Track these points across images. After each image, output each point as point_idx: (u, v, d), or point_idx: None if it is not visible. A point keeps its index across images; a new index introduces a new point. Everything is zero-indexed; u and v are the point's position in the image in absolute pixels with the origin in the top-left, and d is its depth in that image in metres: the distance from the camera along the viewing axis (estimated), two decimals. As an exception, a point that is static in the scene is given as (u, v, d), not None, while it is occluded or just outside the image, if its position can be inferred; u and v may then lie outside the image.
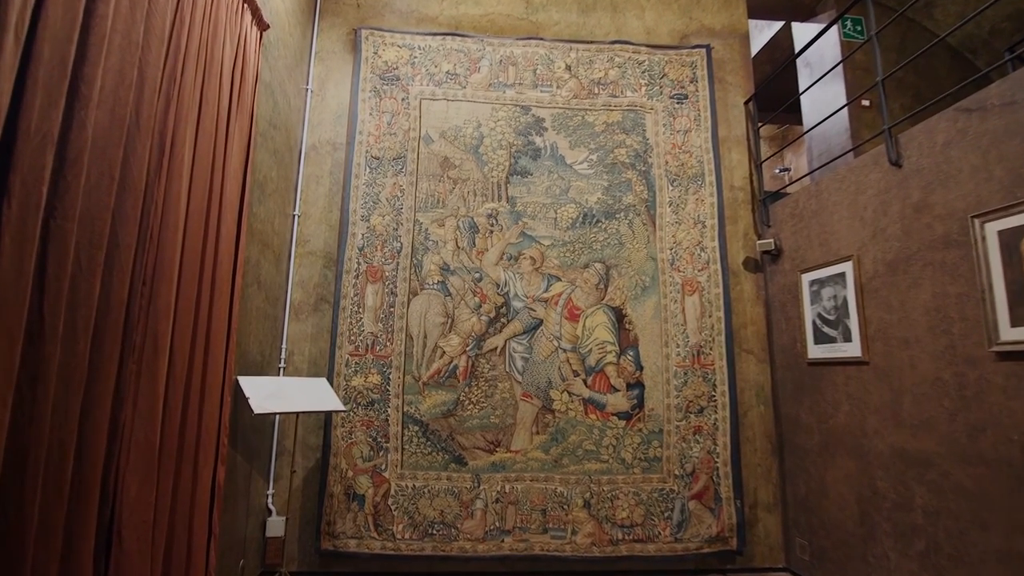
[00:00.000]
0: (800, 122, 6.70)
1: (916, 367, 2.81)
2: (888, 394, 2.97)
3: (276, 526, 3.51)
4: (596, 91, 4.12)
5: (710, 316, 3.85)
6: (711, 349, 3.81)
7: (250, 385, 2.97)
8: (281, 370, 3.69)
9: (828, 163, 4.00)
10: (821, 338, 3.46)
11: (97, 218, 1.72)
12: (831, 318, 3.38)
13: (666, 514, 3.59)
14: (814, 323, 3.52)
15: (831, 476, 3.38)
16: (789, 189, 4.85)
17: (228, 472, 2.94)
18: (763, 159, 4.25)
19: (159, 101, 2.10)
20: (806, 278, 3.60)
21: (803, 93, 4.22)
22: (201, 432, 2.45)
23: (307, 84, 4.10)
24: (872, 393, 3.08)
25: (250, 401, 2.84)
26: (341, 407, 3.26)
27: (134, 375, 1.97)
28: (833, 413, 3.36)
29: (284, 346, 3.72)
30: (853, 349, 3.20)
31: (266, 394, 3.01)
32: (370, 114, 3.97)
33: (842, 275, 3.30)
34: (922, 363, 2.77)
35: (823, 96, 5.08)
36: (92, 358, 1.73)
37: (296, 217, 3.89)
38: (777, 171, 8.92)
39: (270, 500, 3.54)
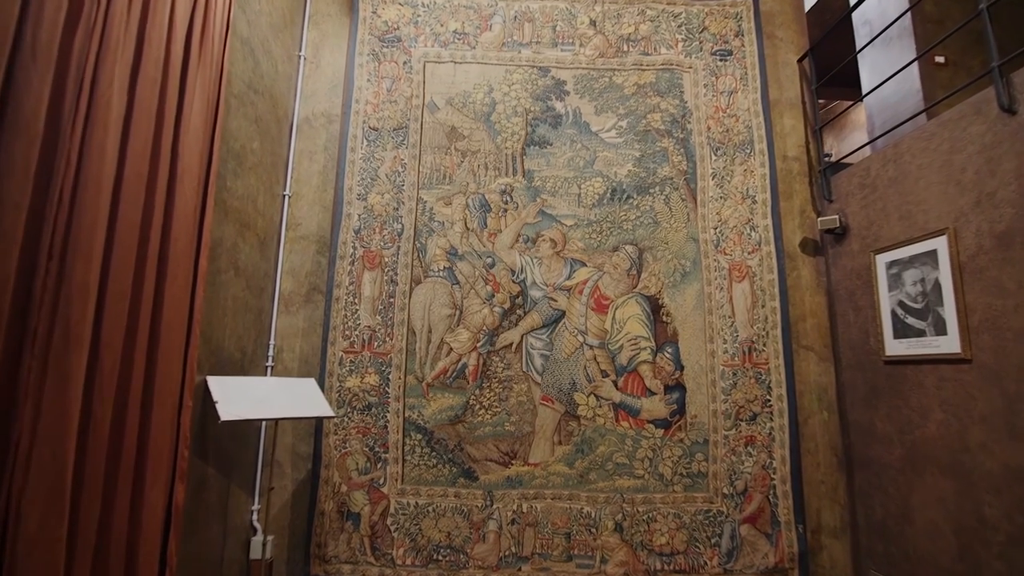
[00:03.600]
0: (851, 97, 6.01)
1: (1043, 365, 2.20)
2: (1000, 399, 2.37)
3: (262, 547, 3.07)
4: (625, 48, 3.58)
5: (763, 306, 3.27)
6: (764, 345, 3.23)
7: (221, 387, 2.54)
8: (268, 369, 3.25)
9: (898, 126, 3.37)
10: (903, 331, 2.85)
11: (-43, 162, 1.27)
12: (917, 306, 2.78)
13: (713, 540, 3.03)
14: (894, 313, 2.92)
15: (918, 498, 2.77)
16: (851, 159, 4.22)
17: (195, 489, 2.51)
18: (822, 124, 3.64)
19: (77, 28, 1.67)
20: (881, 259, 3.00)
21: (865, 47, 3.62)
22: (147, 444, 2.01)
23: (300, 50, 3.66)
24: (976, 398, 2.47)
25: (217, 406, 2.41)
26: (330, 412, 2.81)
27: (34, 374, 1.53)
28: (920, 422, 2.76)
29: (272, 342, 3.29)
30: (949, 344, 2.60)
31: (240, 397, 2.57)
32: (368, 80, 3.52)
33: (932, 253, 2.70)
34: (1053, 360, 2.17)
35: (886, 58, 4.43)
36: (-46, 351, 1.29)
37: (286, 197, 3.46)
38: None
39: (255, 517, 3.10)
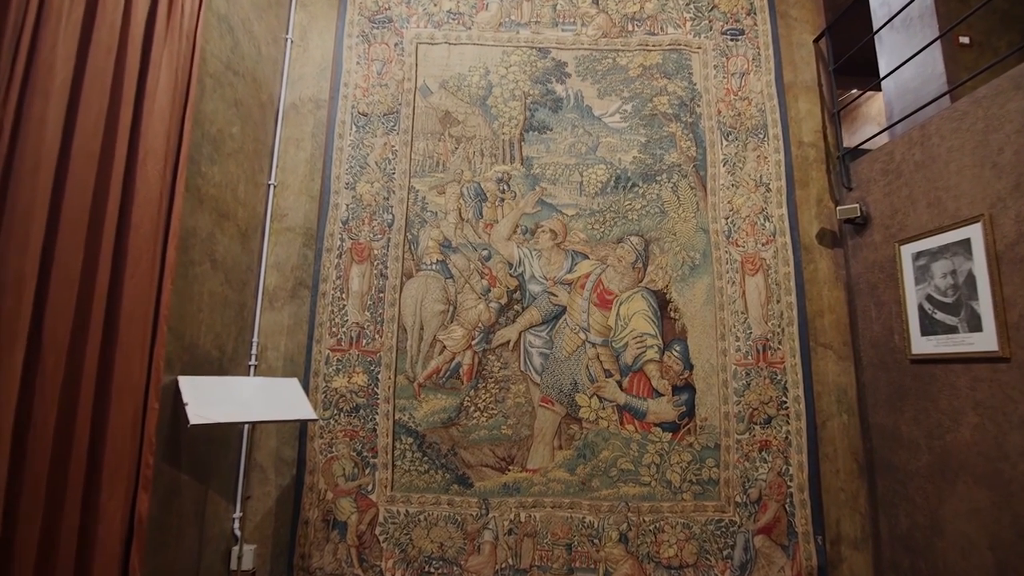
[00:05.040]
0: (863, 86, 5.77)
1: (1096, 364, 1.98)
2: (1044, 402, 2.15)
3: (244, 556, 2.88)
4: (630, 28, 3.38)
5: (778, 301, 3.06)
6: (780, 343, 3.02)
7: (193, 388, 2.35)
8: (252, 369, 3.07)
9: (921, 108, 3.15)
10: (932, 327, 2.64)
11: None
12: (948, 301, 2.56)
13: (725, 552, 2.82)
14: (921, 308, 2.70)
15: (949, 509, 2.55)
16: (868, 146, 3.99)
17: (165, 497, 2.33)
18: (839, 108, 3.42)
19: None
20: (907, 250, 2.78)
21: (885, 26, 3.39)
22: (103, 451, 1.83)
23: (287, 33, 3.47)
24: (1017, 401, 2.26)
25: (187, 409, 2.22)
26: (312, 415, 2.61)
27: (-44, 373, 1.34)
28: (952, 426, 2.54)
29: (255, 340, 3.10)
30: (984, 341, 2.38)
31: (214, 399, 2.39)
32: (357, 63, 3.33)
33: (965, 242, 2.48)
34: (1108, 359, 1.95)
35: (907, 41, 4.19)
36: None
37: (271, 187, 3.27)
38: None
39: (236, 525, 2.92)
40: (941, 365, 2.60)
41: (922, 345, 2.69)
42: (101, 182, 1.79)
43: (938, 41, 3.75)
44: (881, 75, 4.47)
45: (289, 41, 3.46)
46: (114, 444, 1.87)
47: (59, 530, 1.65)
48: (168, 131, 2.15)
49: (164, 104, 2.12)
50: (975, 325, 2.42)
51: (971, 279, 2.45)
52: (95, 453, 1.79)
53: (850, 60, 3.54)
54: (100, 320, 1.79)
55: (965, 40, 3.84)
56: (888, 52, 4.44)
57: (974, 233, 2.43)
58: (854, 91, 6.56)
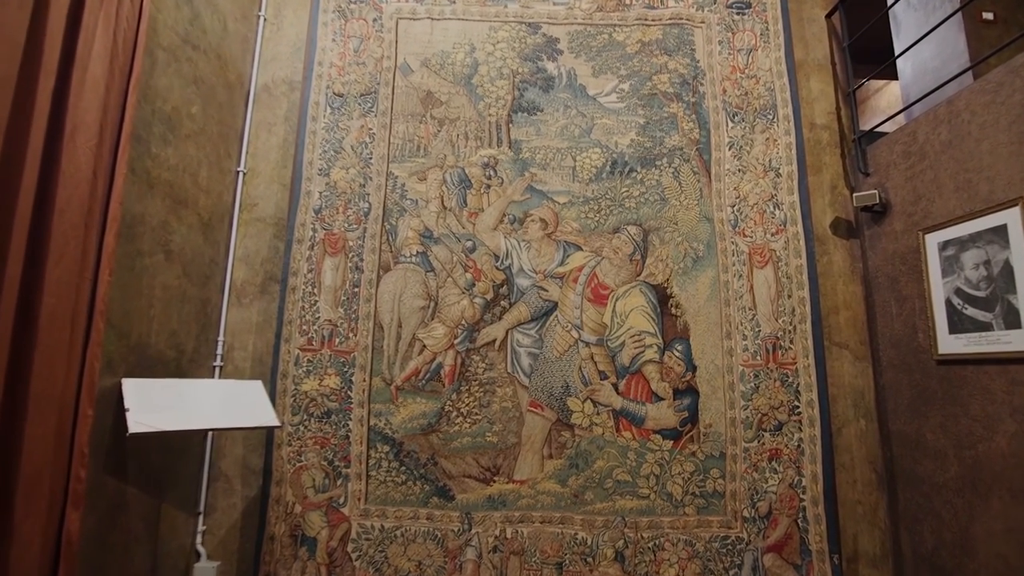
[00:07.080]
0: (880, 76, 5.49)
1: None
2: (1097, 409, 1.89)
3: (207, 574, 2.65)
4: (628, 1, 3.13)
5: (789, 297, 2.80)
6: (791, 342, 2.76)
7: (138, 392, 2.12)
8: (217, 370, 2.83)
9: (943, 85, 2.88)
10: (962, 324, 2.38)
11: None
12: (980, 294, 2.30)
13: (732, 572, 2.58)
14: (949, 303, 2.44)
15: (981, 527, 2.30)
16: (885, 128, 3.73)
17: (107, 514, 2.10)
18: (855, 86, 3.16)
19: None
20: (933, 239, 2.52)
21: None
22: (16, 466, 1.60)
23: (259, 10, 3.24)
24: (1063, 407, 2.00)
25: (128, 415, 1.98)
26: (274, 421, 2.38)
27: None
28: (985, 434, 2.28)
29: (221, 339, 2.86)
30: (1022, 339, 2.12)
31: (162, 405, 2.16)
32: (332, 40, 3.09)
33: (1000, 229, 2.22)
34: None
35: (926, 23, 3.93)
36: None
37: (240, 174, 3.03)
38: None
39: (199, 540, 2.68)
40: (972, 366, 2.34)
41: (950, 344, 2.43)
42: (11, 158, 1.55)
43: (960, 17, 3.50)
44: (898, 60, 4.20)
45: (261, 18, 3.23)
46: (31, 457, 1.63)
47: (-46, 561, 1.42)
48: (105, 104, 1.92)
49: (99, 74, 1.88)
50: (1012, 322, 2.16)
51: (1007, 270, 2.19)
52: (6, 468, 1.56)
53: (864, 46, 3.27)
54: (10, 317, 1.55)
55: (989, 16, 3.57)
56: (905, 33, 4.17)
57: (1011, 218, 2.17)
58: (866, 79, 6.27)
